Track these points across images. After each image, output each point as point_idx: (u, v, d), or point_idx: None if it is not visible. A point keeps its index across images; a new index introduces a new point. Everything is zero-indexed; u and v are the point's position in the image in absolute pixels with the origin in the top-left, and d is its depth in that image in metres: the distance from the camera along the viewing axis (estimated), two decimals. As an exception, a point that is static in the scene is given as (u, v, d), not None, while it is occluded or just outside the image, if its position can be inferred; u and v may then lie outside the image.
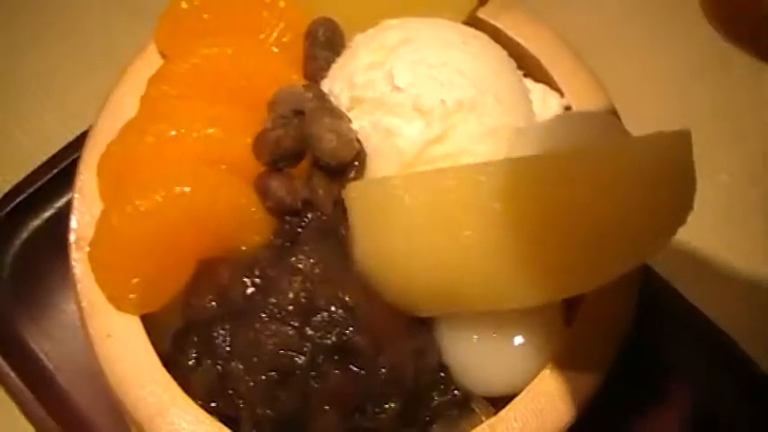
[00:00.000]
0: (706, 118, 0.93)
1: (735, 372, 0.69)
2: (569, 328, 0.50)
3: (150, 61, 0.55)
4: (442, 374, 0.50)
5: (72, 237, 0.50)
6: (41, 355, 0.66)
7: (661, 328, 0.73)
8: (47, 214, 0.69)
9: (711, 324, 0.72)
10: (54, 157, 0.70)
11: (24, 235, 0.69)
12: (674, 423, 0.69)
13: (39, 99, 0.82)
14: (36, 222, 0.69)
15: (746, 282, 0.83)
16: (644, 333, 0.71)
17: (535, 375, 0.49)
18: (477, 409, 0.51)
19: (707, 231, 0.86)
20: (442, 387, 0.50)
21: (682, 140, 0.45)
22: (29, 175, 0.69)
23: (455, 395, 0.50)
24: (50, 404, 0.63)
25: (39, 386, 0.64)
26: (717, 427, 0.69)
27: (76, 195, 0.51)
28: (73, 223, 0.51)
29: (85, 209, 0.51)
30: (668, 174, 0.45)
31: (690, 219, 0.89)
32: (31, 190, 0.69)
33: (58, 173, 0.69)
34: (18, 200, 0.68)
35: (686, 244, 0.85)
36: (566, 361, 0.49)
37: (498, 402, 0.49)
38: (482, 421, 0.49)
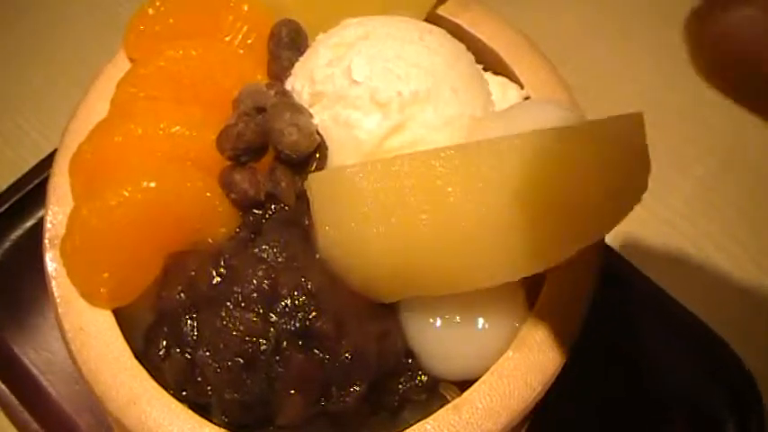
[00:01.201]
0: (678, 114, 0.95)
1: (708, 355, 0.70)
2: (531, 311, 0.51)
3: (119, 66, 0.57)
4: (409, 360, 0.51)
5: (46, 236, 0.52)
6: (26, 360, 0.67)
7: (637, 317, 0.74)
8: (29, 223, 0.71)
9: (687, 312, 0.73)
10: (35, 168, 0.72)
11: (8, 244, 0.71)
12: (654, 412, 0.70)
13: (23, 114, 0.84)
14: (19, 232, 0.71)
15: (723, 272, 0.84)
16: (618, 322, 0.72)
17: (499, 357, 0.50)
18: (445, 394, 0.52)
19: (683, 223, 0.87)
20: (409, 373, 0.51)
21: (635, 122, 0.47)
22: (11, 186, 0.71)
23: (422, 380, 0.51)
24: (35, 408, 0.64)
25: (23, 390, 0.65)
26: (692, 411, 0.69)
27: (50, 196, 0.53)
28: (47, 223, 0.52)
29: (59, 209, 0.53)
30: (623, 154, 0.46)
31: (667, 212, 0.91)
32: (14, 200, 0.70)
33: (40, 183, 0.70)
34: (1, 210, 0.70)
35: (663, 236, 0.86)
36: (528, 342, 0.50)
37: (466, 386, 0.50)
38: (450, 404, 0.50)
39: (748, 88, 0.30)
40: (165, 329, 0.49)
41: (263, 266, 0.47)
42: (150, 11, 0.56)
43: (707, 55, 0.29)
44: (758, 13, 0.27)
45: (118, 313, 0.50)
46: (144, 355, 0.49)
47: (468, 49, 0.58)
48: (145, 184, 0.48)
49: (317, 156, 0.51)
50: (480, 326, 0.51)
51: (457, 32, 0.60)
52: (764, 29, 0.27)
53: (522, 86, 0.59)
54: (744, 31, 0.28)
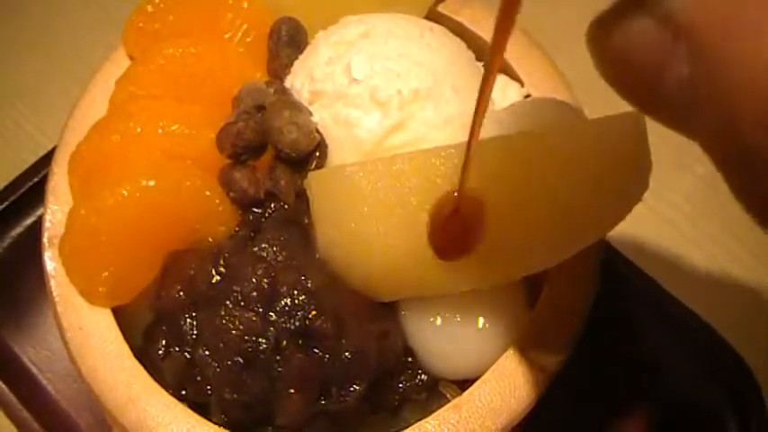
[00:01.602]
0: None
1: (709, 355, 0.69)
2: (532, 310, 0.51)
3: (119, 64, 0.56)
4: (409, 359, 0.51)
5: (45, 235, 0.52)
6: (25, 359, 0.67)
7: (638, 316, 0.74)
8: (28, 221, 0.71)
9: (688, 311, 0.73)
10: (34, 165, 0.71)
11: (7, 242, 0.70)
12: (651, 411, 0.70)
13: (20, 111, 0.84)
14: (18, 230, 0.71)
15: (724, 271, 0.83)
16: (618, 320, 0.72)
17: (499, 357, 0.50)
18: (445, 393, 0.52)
19: (684, 222, 0.87)
20: (409, 371, 0.51)
21: (636, 121, 0.46)
22: (10, 183, 0.71)
23: (422, 379, 0.51)
24: (34, 406, 0.64)
25: (22, 389, 0.65)
26: (693, 411, 0.69)
27: (49, 195, 0.53)
28: (46, 222, 0.52)
29: (58, 208, 0.52)
30: (624, 153, 0.46)
31: (668, 210, 0.91)
32: (13, 198, 0.70)
33: (39, 181, 0.70)
34: (1, 207, 0.70)
35: (664, 235, 0.85)
36: (529, 342, 0.50)
37: (467, 385, 0.50)
38: (450, 403, 0.49)
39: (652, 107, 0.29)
40: (165, 328, 0.49)
41: (263, 265, 0.47)
42: (149, 8, 0.56)
43: (609, 70, 0.29)
44: (652, 24, 0.26)
45: (117, 312, 0.50)
46: (143, 354, 0.49)
47: (469, 46, 0.58)
48: (144, 182, 0.48)
49: (317, 154, 0.51)
50: (480, 325, 0.51)
51: (457, 30, 0.60)
52: (656, 46, 0.26)
53: (522, 84, 0.59)
54: (637, 49, 0.27)
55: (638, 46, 0.26)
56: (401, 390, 0.50)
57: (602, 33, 0.28)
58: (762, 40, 0.22)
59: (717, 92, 0.23)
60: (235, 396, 0.46)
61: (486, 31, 0.61)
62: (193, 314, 0.47)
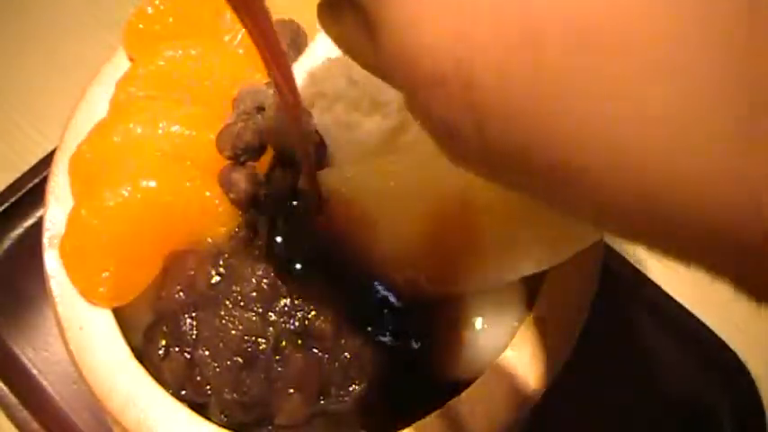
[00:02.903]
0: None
1: (708, 356, 0.70)
2: (531, 310, 0.51)
3: (119, 66, 0.56)
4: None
5: (45, 235, 0.52)
6: (25, 360, 0.67)
7: (637, 318, 0.74)
8: (29, 222, 0.71)
9: (687, 312, 0.73)
10: (35, 166, 0.72)
11: (7, 243, 0.71)
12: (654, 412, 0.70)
13: (21, 112, 0.84)
14: (19, 231, 0.71)
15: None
16: (617, 322, 0.72)
17: (498, 357, 0.50)
18: (445, 392, 0.52)
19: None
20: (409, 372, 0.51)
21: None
22: (11, 185, 0.71)
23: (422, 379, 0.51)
24: (34, 407, 0.64)
25: (22, 389, 0.65)
26: (692, 411, 0.69)
27: (49, 196, 0.53)
28: (46, 222, 0.52)
29: (58, 208, 0.52)
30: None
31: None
32: (14, 199, 0.70)
33: (40, 182, 0.70)
34: (1, 209, 0.70)
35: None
36: (528, 342, 0.50)
37: (465, 387, 0.50)
38: (447, 405, 0.49)
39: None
40: (165, 329, 0.49)
41: (263, 266, 0.47)
42: (149, 10, 0.56)
43: (336, 45, 0.31)
44: (351, 29, 0.27)
45: (117, 312, 0.50)
46: (143, 355, 0.49)
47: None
48: (144, 183, 0.48)
49: (317, 156, 0.51)
50: (480, 325, 0.51)
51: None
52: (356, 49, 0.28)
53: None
54: (346, 38, 0.29)
55: (347, 36, 0.28)
56: (401, 390, 0.51)
57: (322, 16, 0.30)
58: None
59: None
60: (234, 396, 0.46)
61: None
62: (193, 314, 0.48)
